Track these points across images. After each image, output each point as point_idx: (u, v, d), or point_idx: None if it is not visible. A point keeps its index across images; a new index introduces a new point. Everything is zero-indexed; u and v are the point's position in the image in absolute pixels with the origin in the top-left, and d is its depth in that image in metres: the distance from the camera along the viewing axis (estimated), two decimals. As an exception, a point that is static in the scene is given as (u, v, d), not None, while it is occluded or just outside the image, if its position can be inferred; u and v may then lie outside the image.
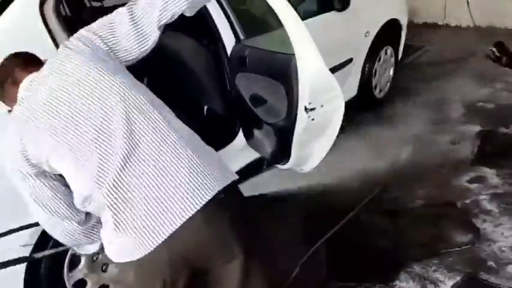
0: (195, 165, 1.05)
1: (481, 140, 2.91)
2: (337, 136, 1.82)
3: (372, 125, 3.16)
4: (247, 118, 2.16)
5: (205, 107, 2.52)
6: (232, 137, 2.28)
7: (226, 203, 1.07)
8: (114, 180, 1.02)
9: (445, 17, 5.26)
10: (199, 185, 1.04)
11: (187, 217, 1.02)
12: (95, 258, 1.78)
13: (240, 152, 2.28)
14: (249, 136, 2.24)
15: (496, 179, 2.52)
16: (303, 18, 2.53)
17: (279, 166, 2.10)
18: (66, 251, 1.65)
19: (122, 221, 1.03)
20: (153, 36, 1.15)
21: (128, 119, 1.04)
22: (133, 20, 1.14)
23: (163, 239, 1.01)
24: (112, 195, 1.02)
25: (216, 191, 1.05)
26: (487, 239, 2.09)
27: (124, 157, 1.02)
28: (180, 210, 1.02)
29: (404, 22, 3.54)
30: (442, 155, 2.81)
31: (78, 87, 1.07)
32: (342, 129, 1.81)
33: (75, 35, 1.17)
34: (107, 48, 1.14)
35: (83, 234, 1.16)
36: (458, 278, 1.89)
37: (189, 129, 1.16)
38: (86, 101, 1.06)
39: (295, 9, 2.53)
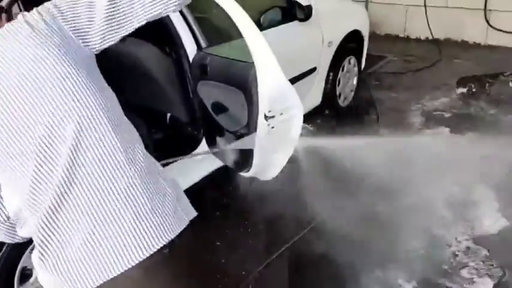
0: (143, 212, 0.91)
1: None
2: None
3: (333, 131, 3.23)
4: (210, 126, 2.15)
5: (168, 115, 2.49)
6: (195, 144, 2.27)
7: (171, 258, 0.95)
8: (48, 213, 0.88)
9: (406, 30, 5.46)
10: (142, 237, 0.90)
11: (121, 270, 0.89)
12: (48, 271, 1.71)
13: (202, 160, 2.27)
14: (211, 144, 2.23)
15: (452, 185, 2.62)
16: (266, 27, 2.60)
17: (242, 174, 2.10)
18: (17, 263, 1.58)
19: (48, 259, 0.90)
20: (134, 24, 0.94)
21: (78, 143, 0.87)
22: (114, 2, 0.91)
23: None
24: (43, 229, 0.89)
25: (161, 245, 0.92)
26: (442, 244, 2.17)
27: (61, 189, 0.87)
28: (116, 260, 0.89)
29: (366, 33, 3.65)
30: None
31: (27, 79, 0.86)
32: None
33: (38, 8, 0.92)
34: (74, 30, 0.91)
35: (3, 232, 1.01)
36: (415, 282, 1.95)
37: (148, 160, 0.97)
38: (29, 102, 0.86)
39: (258, 18, 2.60)
